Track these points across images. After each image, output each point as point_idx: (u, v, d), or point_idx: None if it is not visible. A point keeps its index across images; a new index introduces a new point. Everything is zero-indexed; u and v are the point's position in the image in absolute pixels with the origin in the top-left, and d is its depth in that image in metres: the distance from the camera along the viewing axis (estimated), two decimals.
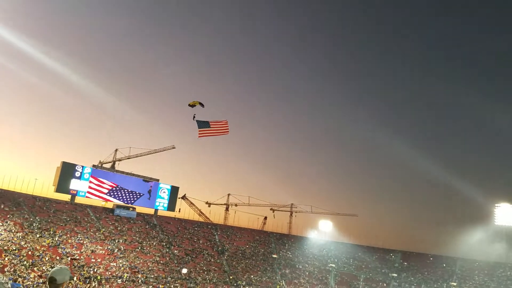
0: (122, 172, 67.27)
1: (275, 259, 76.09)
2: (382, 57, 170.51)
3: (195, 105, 38.98)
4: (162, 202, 71.23)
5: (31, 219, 53.80)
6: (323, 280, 71.70)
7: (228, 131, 41.94)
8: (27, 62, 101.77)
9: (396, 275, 71.92)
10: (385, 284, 70.15)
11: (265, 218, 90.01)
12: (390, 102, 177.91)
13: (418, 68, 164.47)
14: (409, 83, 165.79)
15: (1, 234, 46.31)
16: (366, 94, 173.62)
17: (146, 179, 68.71)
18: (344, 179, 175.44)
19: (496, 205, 72.65)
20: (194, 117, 32.94)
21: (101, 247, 56.15)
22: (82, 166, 62.04)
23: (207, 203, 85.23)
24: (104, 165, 67.44)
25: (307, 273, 73.50)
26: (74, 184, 60.75)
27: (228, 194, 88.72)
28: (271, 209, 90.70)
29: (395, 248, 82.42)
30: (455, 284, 65.77)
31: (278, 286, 63.97)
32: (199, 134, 40.48)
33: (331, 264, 76.10)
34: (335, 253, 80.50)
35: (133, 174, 68.24)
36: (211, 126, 41.29)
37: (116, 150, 69.40)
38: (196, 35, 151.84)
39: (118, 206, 65.96)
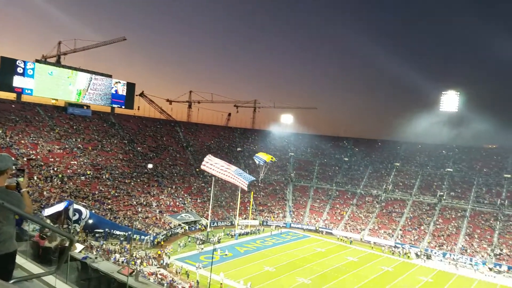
0: (70, 68, 61.58)
1: (240, 152, 78.87)
2: None
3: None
4: (118, 99, 67.83)
5: None
6: (283, 168, 76.46)
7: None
8: None
9: (347, 159, 78.24)
10: (337, 167, 76.37)
11: (229, 114, 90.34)
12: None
13: None
14: None
15: None
16: None
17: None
18: (306, 74, 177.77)
19: (443, 92, 77.52)
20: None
21: (58, 146, 54.11)
22: (24, 61, 55.73)
23: (167, 100, 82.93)
24: (48, 60, 60.93)
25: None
26: (18, 82, 55.16)
27: (190, 91, 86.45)
28: (234, 106, 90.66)
29: (348, 136, 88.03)
30: (398, 164, 73.07)
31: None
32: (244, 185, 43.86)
33: (290, 153, 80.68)
34: (295, 144, 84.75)
35: (82, 70, 62.87)
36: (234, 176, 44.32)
37: (59, 43, 62.38)
38: None
39: (71, 104, 62.03)
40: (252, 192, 61.77)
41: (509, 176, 63.17)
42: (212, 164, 49.38)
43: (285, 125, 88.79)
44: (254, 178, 55.38)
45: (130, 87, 69.18)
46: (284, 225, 60.56)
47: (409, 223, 58.54)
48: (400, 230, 57.17)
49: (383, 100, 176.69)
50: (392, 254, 50.32)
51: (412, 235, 55.47)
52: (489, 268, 45.75)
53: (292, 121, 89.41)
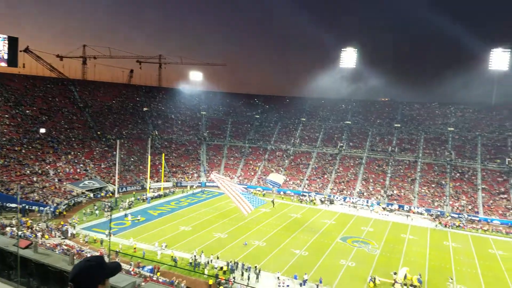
0: None
1: (147, 111, 74.61)
2: None
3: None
4: None
5: None
6: (195, 127, 75.11)
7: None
8: None
9: (258, 116, 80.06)
10: (249, 125, 77.86)
11: (131, 71, 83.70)
12: None
13: None
14: None
15: None
16: None
17: None
18: (214, 29, 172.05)
19: (342, 49, 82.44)
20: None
21: None
22: None
23: (58, 56, 73.30)
24: None
25: (179, 122, 75.37)
26: None
27: (84, 45, 77.49)
28: (137, 61, 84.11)
29: (259, 93, 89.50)
30: (304, 119, 77.34)
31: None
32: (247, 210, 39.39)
33: (202, 112, 79.26)
34: (206, 102, 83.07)
35: None
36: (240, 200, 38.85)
37: None
38: None
39: None
40: (164, 154, 59.75)
41: (398, 125, 71.58)
42: (219, 179, 46.62)
43: (194, 82, 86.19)
44: (265, 202, 50.83)
45: (12, 42, 59.51)
46: (199, 184, 60.50)
47: (314, 173, 63.26)
48: (307, 180, 61.54)
49: (291, 58, 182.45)
50: (300, 202, 54.22)
51: (317, 184, 60.22)
52: (382, 207, 52.33)
53: (201, 78, 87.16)
